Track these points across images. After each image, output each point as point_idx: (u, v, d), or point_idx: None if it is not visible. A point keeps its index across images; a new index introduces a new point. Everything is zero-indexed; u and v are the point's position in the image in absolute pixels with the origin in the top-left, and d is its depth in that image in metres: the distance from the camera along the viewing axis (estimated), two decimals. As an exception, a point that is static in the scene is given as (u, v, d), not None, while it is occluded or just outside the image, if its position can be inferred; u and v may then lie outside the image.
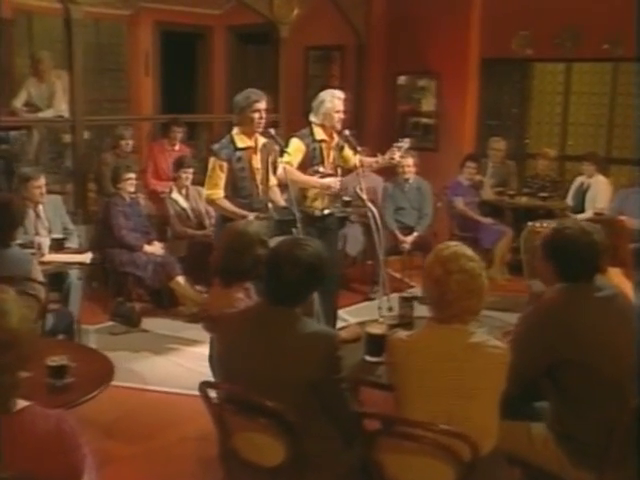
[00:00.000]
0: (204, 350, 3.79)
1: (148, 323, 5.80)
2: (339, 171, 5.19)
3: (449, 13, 8.24)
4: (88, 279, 6.28)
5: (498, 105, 8.48)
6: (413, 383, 2.32)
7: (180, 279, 5.69)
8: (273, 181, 4.89)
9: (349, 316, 6.00)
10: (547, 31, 7.73)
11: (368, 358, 2.93)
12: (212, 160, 4.62)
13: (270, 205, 4.69)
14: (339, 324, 5.78)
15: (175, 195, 6.15)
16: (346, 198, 6.95)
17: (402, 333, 2.43)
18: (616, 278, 3.73)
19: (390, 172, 6.95)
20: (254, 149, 4.68)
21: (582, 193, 7.24)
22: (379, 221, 5.09)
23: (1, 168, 6.20)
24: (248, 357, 2.41)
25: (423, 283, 2.43)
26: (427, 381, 2.30)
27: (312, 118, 5.14)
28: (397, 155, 5.23)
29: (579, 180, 7.32)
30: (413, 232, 6.68)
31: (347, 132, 5.13)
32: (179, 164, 6.13)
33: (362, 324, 3.36)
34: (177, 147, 6.75)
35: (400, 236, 6.64)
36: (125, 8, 9.40)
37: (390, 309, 4.84)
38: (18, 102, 6.89)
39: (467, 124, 8.49)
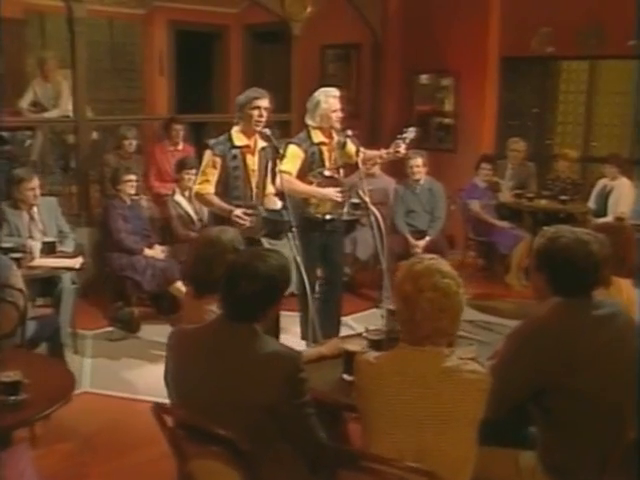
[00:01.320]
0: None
1: (147, 329, 5.63)
2: (342, 172, 4.97)
3: (467, 9, 7.97)
4: (87, 283, 6.20)
5: (518, 105, 8.18)
6: (380, 411, 2.10)
7: (180, 284, 5.51)
8: (271, 189, 4.70)
9: (356, 323, 5.78)
10: (569, 27, 7.41)
11: (346, 377, 2.71)
12: (207, 154, 4.46)
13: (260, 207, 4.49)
14: (345, 332, 5.59)
15: (178, 197, 5.98)
16: (355, 201, 6.74)
17: (371, 354, 2.20)
18: (625, 290, 3.47)
19: (402, 173, 6.72)
20: (251, 149, 4.49)
21: (604, 196, 6.93)
22: (382, 225, 4.86)
23: (4, 169, 6.07)
24: (202, 377, 2.22)
25: (393, 300, 2.21)
26: (395, 409, 2.08)
27: (308, 121, 4.92)
28: (402, 148, 4.98)
29: (602, 183, 7.01)
30: (425, 236, 6.42)
31: (349, 132, 4.92)
32: (181, 165, 5.96)
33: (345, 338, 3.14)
34: (180, 147, 6.59)
35: (411, 240, 6.40)
36: (139, 7, 9.32)
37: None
38: (24, 102, 6.81)
39: (486, 124, 8.22)
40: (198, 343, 2.28)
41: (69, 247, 5.11)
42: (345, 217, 6.35)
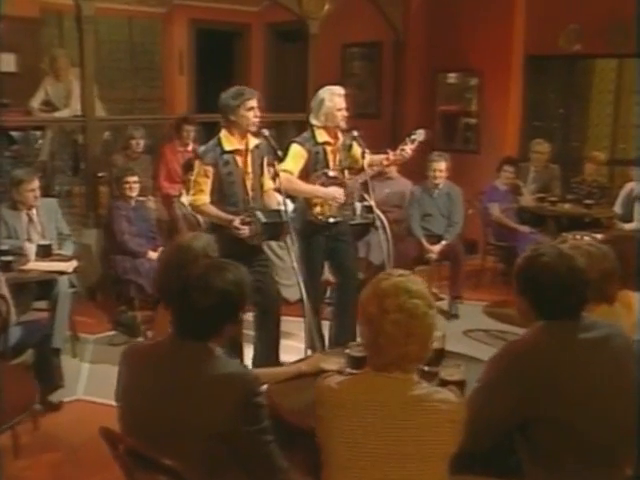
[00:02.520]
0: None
1: (151, 334, 5.50)
2: (346, 174, 4.77)
3: (492, 6, 7.74)
4: (95, 286, 6.11)
5: (544, 105, 7.91)
6: (341, 443, 1.90)
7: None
8: (269, 185, 4.52)
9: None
10: (597, 25, 7.12)
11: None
12: (197, 164, 4.27)
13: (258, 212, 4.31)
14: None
15: (184, 199, 5.84)
16: (367, 203, 6.54)
17: (334, 378, 2.01)
18: (636, 304, 3.22)
19: (421, 175, 6.49)
20: (244, 152, 4.31)
21: (631, 201, 6.61)
22: (388, 229, 4.66)
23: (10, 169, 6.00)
24: (151, 400, 2.04)
25: (358, 320, 2.01)
26: (358, 441, 1.88)
27: (312, 120, 4.73)
28: (408, 149, 4.78)
29: (628, 186, 6.69)
30: (441, 240, 6.19)
31: (355, 132, 4.72)
32: (189, 166, 5.80)
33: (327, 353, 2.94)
34: (190, 147, 6.44)
35: (426, 245, 6.17)
36: (159, 6, 9.23)
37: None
38: (35, 102, 6.74)
39: (510, 125, 7.97)
40: (149, 362, 2.11)
41: (68, 250, 4.99)
42: (355, 220, 6.22)
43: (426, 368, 2.74)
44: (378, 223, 4.65)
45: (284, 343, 4.70)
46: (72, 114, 6.59)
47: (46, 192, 6.28)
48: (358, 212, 6.41)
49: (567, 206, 6.84)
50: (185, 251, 2.70)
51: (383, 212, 6.77)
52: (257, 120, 4.24)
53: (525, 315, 2.24)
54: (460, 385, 2.46)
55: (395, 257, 6.46)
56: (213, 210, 4.25)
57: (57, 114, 6.64)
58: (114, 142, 7.02)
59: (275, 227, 4.19)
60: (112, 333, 5.49)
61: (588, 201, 6.72)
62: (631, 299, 3.24)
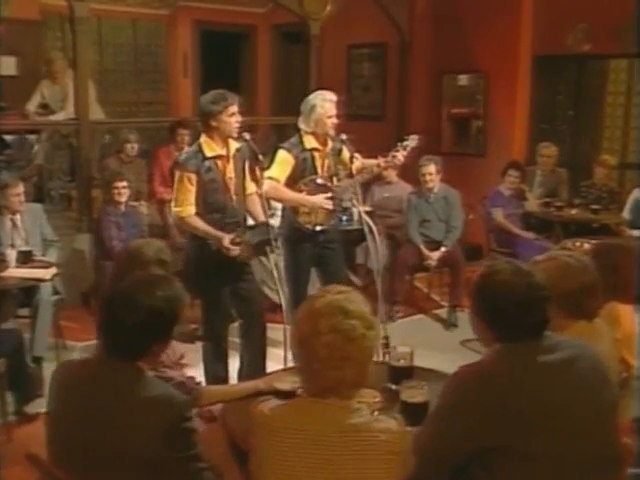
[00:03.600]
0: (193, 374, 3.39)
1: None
2: (335, 180, 4.62)
3: (498, 5, 7.54)
4: (89, 292, 6.01)
5: (552, 107, 7.69)
6: (273, 475, 1.76)
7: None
8: (251, 188, 4.38)
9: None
10: (607, 23, 6.89)
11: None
12: (178, 173, 4.09)
13: (246, 223, 4.17)
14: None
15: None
16: (366, 208, 6.39)
17: (268, 403, 1.85)
18: (626, 319, 3.04)
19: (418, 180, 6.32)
20: (226, 157, 4.17)
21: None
22: (377, 235, 4.50)
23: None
24: (76, 423, 1.90)
25: (291, 342, 1.86)
26: (291, 474, 1.73)
27: (301, 125, 4.59)
28: (400, 155, 4.61)
29: (637, 192, 6.46)
30: (440, 247, 6.01)
31: (343, 136, 4.57)
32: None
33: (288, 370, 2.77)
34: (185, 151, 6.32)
35: (425, 251, 5.99)
36: (163, 8, 9.15)
37: (386, 338, 4.28)
38: (31, 105, 6.66)
39: (517, 128, 7.76)
40: (76, 382, 1.97)
41: (52, 256, 4.88)
42: (352, 226, 6.07)
43: (393, 387, 2.59)
44: (366, 229, 4.44)
45: (271, 351, 4.56)
46: (68, 117, 6.50)
47: (41, 196, 6.24)
48: (356, 217, 6.29)
49: (574, 211, 6.62)
50: (135, 257, 2.57)
51: (382, 217, 6.63)
52: (238, 125, 4.10)
53: (483, 337, 2.08)
54: (422, 407, 2.30)
55: (394, 264, 6.31)
56: (200, 224, 4.09)
57: (53, 117, 6.55)
58: (110, 146, 6.93)
59: (264, 244, 4.05)
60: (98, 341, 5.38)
61: (595, 206, 6.50)
62: (619, 312, 3.06)
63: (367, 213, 6.21)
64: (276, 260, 4.04)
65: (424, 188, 6.08)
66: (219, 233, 4.02)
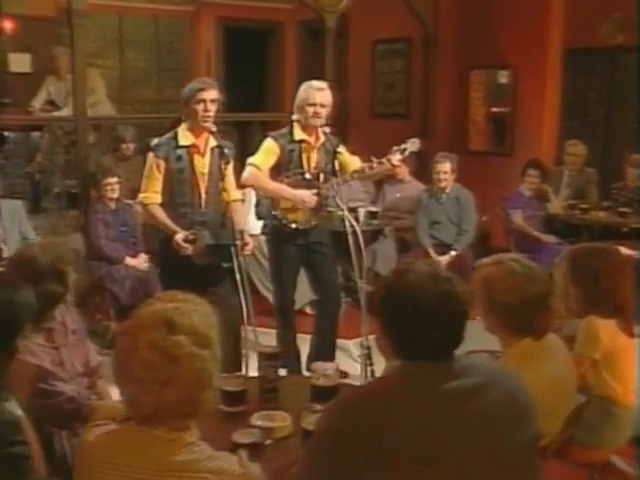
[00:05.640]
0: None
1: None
2: (321, 177, 4.31)
3: (527, -4, 7.11)
4: (84, 292, 5.84)
5: (583, 103, 7.19)
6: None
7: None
8: (236, 195, 4.12)
9: (357, 348, 5.11)
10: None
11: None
12: (150, 157, 3.92)
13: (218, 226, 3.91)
14: (342, 357, 4.97)
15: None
16: (372, 209, 6.07)
17: (102, 429, 1.56)
18: (607, 335, 2.66)
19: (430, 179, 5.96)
20: (200, 149, 3.93)
21: (671, 209, 5.89)
22: (361, 238, 4.17)
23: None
24: None
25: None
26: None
27: (293, 116, 4.35)
28: (396, 159, 4.27)
29: (667, 193, 5.97)
30: (450, 251, 5.63)
31: (327, 129, 4.27)
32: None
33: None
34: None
35: (433, 255, 5.62)
36: (186, 4, 8.98)
37: (368, 348, 3.96)
38: (37, 102, 6.57)
39: (546, 125, 7.30)
40: None
41: (31, 255, 4.70)
42: (363, 227, 5.73)
43: (318, 407, 2.29)
44: (349, 229, 4.12)
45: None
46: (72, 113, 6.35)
47: (38, 194, 6.13)
48: (362, 219, 5.98)
49: (601, 214, 6.16)
50: (25, 265, 2.32)
51: (393, 218, 6.29)
52: (207, 115, 3.84)
53: (384, 352, 1.75)
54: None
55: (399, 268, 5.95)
56: (160, 215, 3.89)
57: (56, 113, 6.43)
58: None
59: (222, 249, 3.77)
60: (86, 343, 5.20)
61: (624, 209, 6.02)
62: (598, 328, 2.68)
63: (373, 214, 5.96)
64: (241, 265, 3.75)
65: (436, 187, 5.73)
66: (175, 227, 3.79)
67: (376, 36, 8.47)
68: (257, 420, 2.17)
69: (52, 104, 6.65)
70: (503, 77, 7.55)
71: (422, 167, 6.63)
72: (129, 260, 5.18)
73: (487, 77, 7.74)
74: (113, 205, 5.28)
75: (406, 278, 1.67)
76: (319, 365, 2.41)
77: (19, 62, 7.64)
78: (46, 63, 7.55)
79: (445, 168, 5.61)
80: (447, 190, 5.67)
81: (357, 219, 5.90)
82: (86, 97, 6.31)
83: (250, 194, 5.59)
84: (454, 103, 7.98)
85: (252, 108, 8.94)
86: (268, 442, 2.01)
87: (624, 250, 3.32)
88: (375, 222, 5.98)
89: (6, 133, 6.09)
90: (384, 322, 1.69)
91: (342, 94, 8.76)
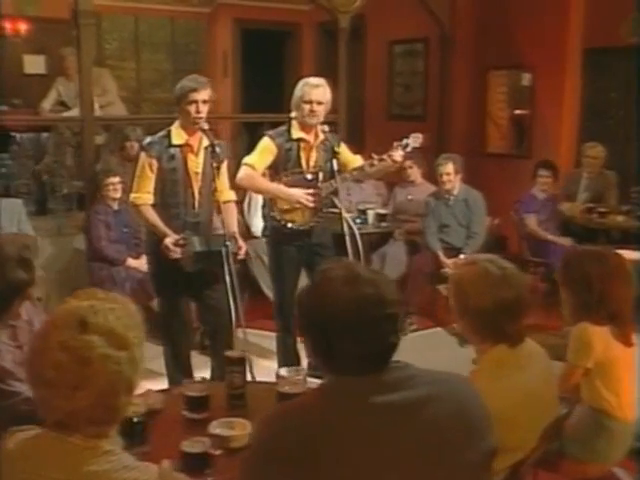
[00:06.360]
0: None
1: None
2: (320, 176, 4.20)
3: (545, -5, 6.94)
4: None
5: (603, 104, 6.98)
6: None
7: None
8: (229, 196, 4.03)
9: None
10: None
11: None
12: (142, 156, 3.84)
13: (210, 229, 3.81)
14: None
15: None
16: (381, 211, 5.94)
17: (25, 434, 1.46)
18: (599, 344, 2.50)
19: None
20: (193, 148, 3.84)
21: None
22: (359, 239, 4.04)
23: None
24: None
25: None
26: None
27: (292, 113, 4.25)
28: (398, 155, 4.15)
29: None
30: (459, 254, 5.47)
31: (325, 127, 4.16)
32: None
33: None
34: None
35: (443, 258, 5.47)
36: (202, 5, 8.94)
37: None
38: (47, 103, 6.54)
39: (565, 127, 7.11)
40: None
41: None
42: (372, 229, 5.64)
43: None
44: (347, 230, 4.00)
45: (257, 362, 4.19)
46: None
47: (44, 194, 6.10)
48: (371, 221, 5.85)
49: (620, 218, 5.96)
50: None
51: (404, 221, 6.15)
52: (199, 116, 3.74)
53: (316, 364, 1.62)
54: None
55: (410, 273, 5.80)
56: (151, 216, 3.81)
57: (65, 114, 6.40)
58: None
59: (211, 256, 3.66)
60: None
61: (641, 213, 5.82)
62: (591, 336, 2.53)
63: (382, 217, 5.82)
64: (231, 269, 3.64)
65: (442, 189, 5.57)
66: (166, 230, 3.70)
67: (393, 37, 8.35)
68: (216, 428, 2.06)
69: (63, 105, 6.62)
70: (526, 79, 7.36)
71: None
72: (131, 261, 5.11)
73: (510, 79, 7.57)
74: (115, 206, 5.21)
75: (321, 289, 1.53)
76: (287, 371, 2.29)
77: (34, 64, 7.67)
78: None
79: (448, 170, 5.45)
80: (455, 192, 5.51)
81: (366, 221, 5.80)
82: (96, 97, 6.31)
83: (257, 195, 5.49)
84: (472, 104, 7.83)
85: (269, 109, 8.86)
86: (218, 452, 1.89)
87: (627, 254, 3.14)
88: (384, 224, 5.84)
89: (13, 134, 6.06)
90: (306, 339, 1.55)
91: (358, 95, 8.69)
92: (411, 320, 5.55)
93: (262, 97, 9.01)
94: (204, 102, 3.74)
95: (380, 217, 5.80)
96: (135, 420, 1.94)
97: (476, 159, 7.21)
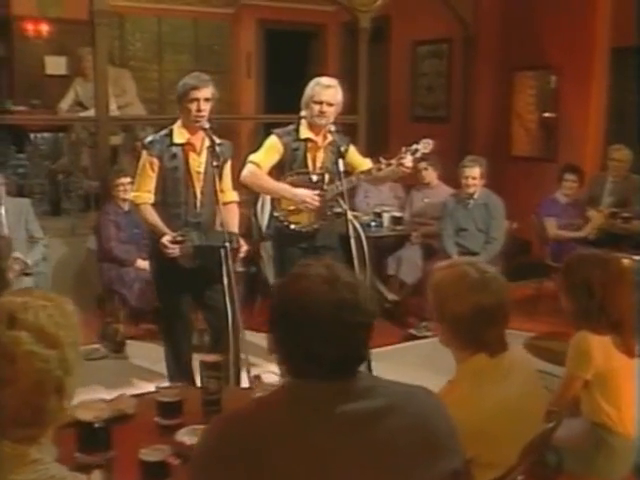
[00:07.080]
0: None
1: (135, 349, 5.09)
2: (326, 178, 4.10)
3: (572, -7, 6.76)
4: (101, 296, 5.77)
5: (631, 106, 6.77)
6: None
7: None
8: (231, 197, 3.95)
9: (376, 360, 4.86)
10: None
11: (78, 455, 1.90)
12: (143, 155, 3.80)
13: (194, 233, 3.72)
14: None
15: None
16: (396, 214, 5.82)
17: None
18: (598, 354, 2.37)
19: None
20: (196, 147, 3.77)
21: None
22: (364, 242, 3.94)
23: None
24: None
25: None
26: None
27: (302, 112, 4.17)
28: (408, 161, 4.02)
29: None
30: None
31: (332, 128, 4.06)
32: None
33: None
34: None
35: (458, 263, 5.32)
36: (226, 6, 8.91)
37: (368, 361, 3.71)
38: (64, 103, 6.56)
39: (591, 129, 6.92)
40: None
41: (36, 254, 4.65)
42: (386, 232, 5.53)
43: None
44: (352, 233, 3.89)
45: (265, 366, 4.10)
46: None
47: (58, 194, 6.10)
48: (386, 224, 5.73)
49: (644, 224, 5.76)
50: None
51: (420, 224, 6.01)
52: (201, 114, 3.67)
53: (281, 368, 1.53)
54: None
55: (426, 277, 5.67)
56: (150, 215, 3.75)
57: (82, 114, 6.40)
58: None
59: (211, 251, 3.57)
60: (95, 346, 5.10)
61: (665, 219, 5.62)
62: (591, 345, 2.40)
63: (397, 220, 5.69)
64: (230, 269, 3.55)
65: (464, 193, 5.44)
66: (165, 229, 3.63)
67: (416, 37, 8.24)
68: (184, 435, 1.98)
69: (80, 105, 6.63)
70: (553, 81, 7.17)
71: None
72: (140, 262, 5.06)
73: (538, 81, 7.39)
74: (126, 206, 5.17)
75: (298, 284, 1.45)
76: (264, 376, 2.20)
77: (55, 65, 7.71)
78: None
79: (474, 173, 5.31)
80: (475, 196, 5.37)
81: (381, 224, 5.69)
82: (115, 98, 6.32)
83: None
84: (496, 106, 7.68)
85: (293, 111, 8.79)
86: (177, 462, 1.81)
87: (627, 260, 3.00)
88: (399, 228, 5.71)
89: (30, 134, 6.08)
90: (273, 334, 1.46)
91: (381, 96, 8.57)
92: (427, 325, 5.41)
93: (286, 98, 8.93)
94: (206, 100, 3.68)
95: (395, 220, 5.68)
96: (97, 426, 1.87)
97: (499, 161, 7.04)
